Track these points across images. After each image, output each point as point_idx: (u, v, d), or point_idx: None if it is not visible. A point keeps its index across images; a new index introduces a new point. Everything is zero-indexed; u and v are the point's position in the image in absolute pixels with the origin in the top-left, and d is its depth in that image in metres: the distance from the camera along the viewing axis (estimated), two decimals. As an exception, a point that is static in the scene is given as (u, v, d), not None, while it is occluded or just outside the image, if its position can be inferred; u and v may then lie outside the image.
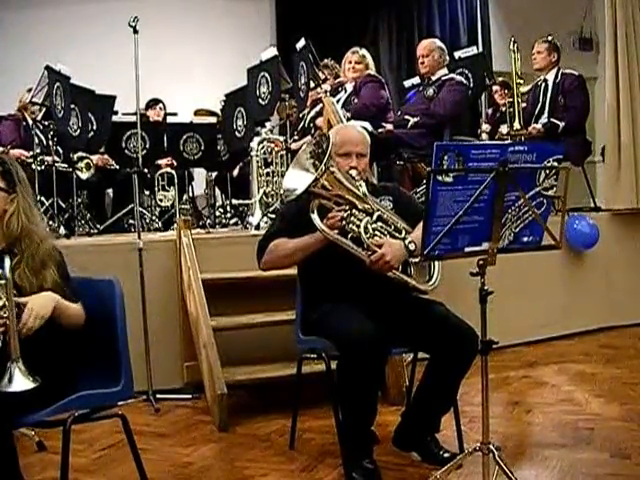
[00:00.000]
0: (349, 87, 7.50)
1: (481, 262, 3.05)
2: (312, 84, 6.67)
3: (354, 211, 3.64)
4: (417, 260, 3.65)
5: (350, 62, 7.44)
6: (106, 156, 7.89)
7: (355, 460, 3.65)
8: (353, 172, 3.78)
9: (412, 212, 3.91)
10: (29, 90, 6.88)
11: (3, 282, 2.87)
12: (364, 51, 7.57)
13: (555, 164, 3.03)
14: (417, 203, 4.20)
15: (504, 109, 7.83)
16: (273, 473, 3.87)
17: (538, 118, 7.44)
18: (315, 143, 3.66)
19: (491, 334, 3.16)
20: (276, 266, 3.96)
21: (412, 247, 3.64)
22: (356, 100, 7.27)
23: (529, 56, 7.58)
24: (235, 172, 8.53)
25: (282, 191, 3.65)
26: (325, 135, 3.66)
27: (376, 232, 3.67)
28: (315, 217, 3.61)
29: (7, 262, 2.92)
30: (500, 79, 8.73)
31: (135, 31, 5.47)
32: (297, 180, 3.61)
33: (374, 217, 3.68)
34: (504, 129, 7.30)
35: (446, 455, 3.78)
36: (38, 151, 6.82)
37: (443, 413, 3.87)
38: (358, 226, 3.62)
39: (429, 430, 3.89)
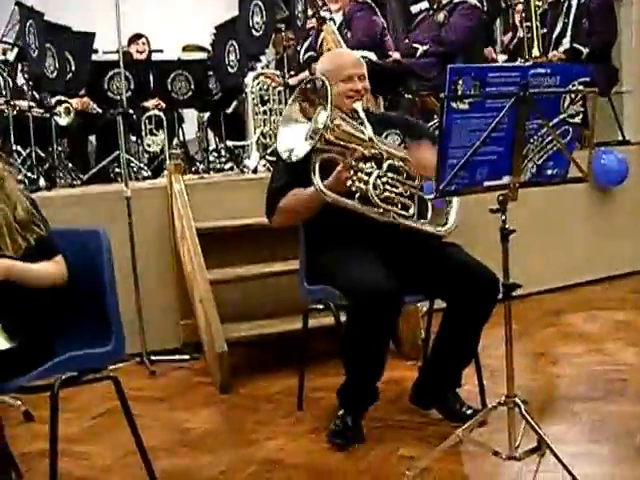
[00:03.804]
0: (337, 18, 7.30)
1: (502, 197, 3.01)
2: (310, 11, 6.59)
3: (360, 165, 3.57)
4: (432, 197, 3.60)
5: None
6: (87, 99, 7.82)
7: (348, 412, 3.72)
8: (357, 105, 3.73)
9: (425, 138, 3.85)
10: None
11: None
12: None
13: (581, 88, 2.97)
14: (428, 128, 4.14)
15: (522, 34, 7.72)
16: (281, 436, 3.88)
17: (558, 43, 7.35)
18: (306, 88, 3.57)
19: (513, 279, 3.13)
20: (288, 223, 3.92)
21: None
22: (349, 33, 7.14)
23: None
24: (229, 111, 8.44)
25: (280, 154, 3.53)
26: (319, 78, 3.56)
27: (386, 186, 3.61)
28: (317, 179, 3.51)
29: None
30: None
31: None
32: (294, 139, 3.52)
33: (384, 167, 3.62)
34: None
35: (469, 412, 3.77)
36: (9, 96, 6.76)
37: (464, 366, 3.86)
38: (366, 182, 3.55)
39: (449, 385, 3.88)
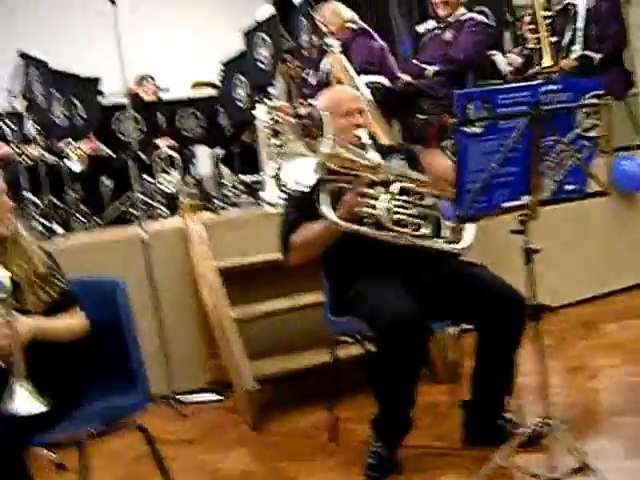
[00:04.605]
0: (336, 45, 7.00)
1: (522, 218, 3.01)
2: (315, 40, 6.62)
3: (369, 191, 3.59)
4: (452, 223, 3.61)
5: (324, 19, 7.18)
6: (97, 142, 7.87)
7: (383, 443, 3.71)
8: (361, 132, 3.76)
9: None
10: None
11: (3, 296, 2.88)
12: (332, 4, 7.35)
13: (594, 100, 2.98)
14: None
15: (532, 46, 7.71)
16: (317, 472, 3.88)
17: (568, 50, 7.35)
18: (305, 124, 3.61)
19: (540, 295, 3.13)
20: (304, 259, 3.91)
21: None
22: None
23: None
24: (237, 147, 8.47)
25: (288, 187, 3.54)
26: (314, 109, 3.60)
27: (398, 209, 3.62)
28: (325, 209, 3.53)
29: (3, 274, 2.92)
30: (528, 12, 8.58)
31: (113, 2, 5.42)
32: (300, 171, 3.54)
33: (394, 190, 3.63)
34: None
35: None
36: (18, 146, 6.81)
37: (507, 394, 3.81)
38: (376, 207, 3.57)
39: (497, 417, 3.83)
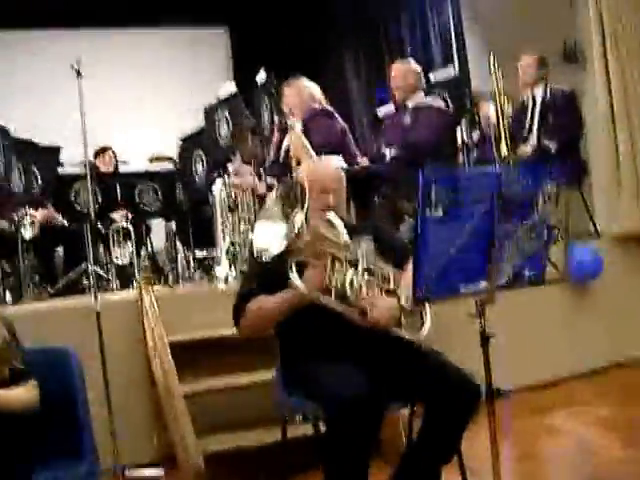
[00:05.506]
0: (297, 125, 7.09)
1: (480, 302, 3.03)
2: (277, 120, 6.67)
3: (336, 265, 3.62)
4: (408, 306, 3.62)
5: (288, 97, 7.17)
6: (51, 211, 7.84)
7: None
8: (330, 214, 3.78)
9: (395, 249, 3.96)
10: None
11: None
12: (301, 81, 7.34)
13: (553, 188, 3.02)
14: (399, 239, 4.19)
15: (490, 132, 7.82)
16: None
17: (525, 139, 7.47)
18: (284, 190, 3.64)
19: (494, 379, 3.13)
20: (257, 331, 3.92)
21: (407, 305, 3.63)
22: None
23: (509, 73, 7.61)
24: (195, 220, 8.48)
25: (254, 250, 3.57)
26: (296, 181, 3.64)
27: (362, 285, 3.65)
28: (294, 277, 3.56)
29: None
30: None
31: (78, 74, 5.44)
32: (270, 237, 3.57)
33: (359, 269, 3.66)
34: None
35: None
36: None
37: (443, 463, 3.76)
38: (342, 282, 3.60)
39: None
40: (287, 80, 7.25)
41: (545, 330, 6.74)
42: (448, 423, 3.61)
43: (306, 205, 3.47)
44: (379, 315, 3.62)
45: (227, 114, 6.69)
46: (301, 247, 3.52)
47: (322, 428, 3.74)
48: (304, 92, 7.23)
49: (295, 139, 6.56)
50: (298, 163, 6.11)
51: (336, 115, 7.30)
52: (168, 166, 8.89)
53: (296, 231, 3.46)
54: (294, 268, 3.57)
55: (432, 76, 8.06)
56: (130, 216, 7.91)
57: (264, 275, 3.74)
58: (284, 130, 7.03)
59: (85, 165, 5.87)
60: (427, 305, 3.78)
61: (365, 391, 3.43)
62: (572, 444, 5.03)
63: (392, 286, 3.72)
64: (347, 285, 3.58)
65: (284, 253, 3.53)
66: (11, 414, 3.03)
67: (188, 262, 8.11)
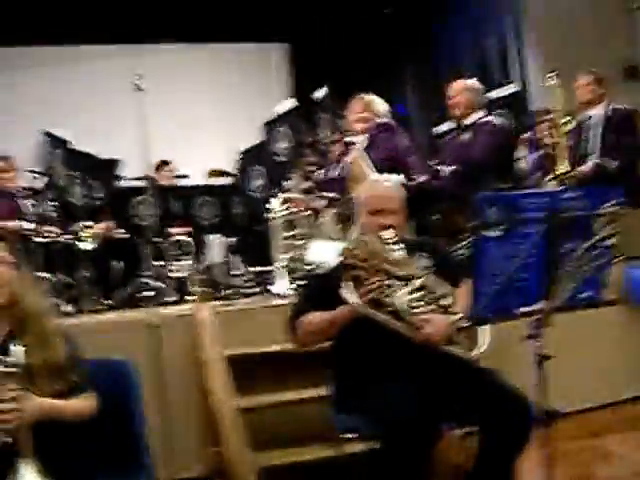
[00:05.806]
0: (361, 140, 7.09)
1: (536, 323, 3.01)
2: (335, 137, 6.67)
3: (391, 281, 3.62)
4: (465, 325, 3.61)
5: (355, 112, 7.17)
6: (111, 224, 7.91)
7: None
8: (387, 233, 3.77)
9: (451, 267, 3.96)
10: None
11: (15, 370, 2.87)
12: (370, 96, 7.32)
13: (612, 209, 3.00)
14: (455, 257, 4.17)
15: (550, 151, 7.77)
16: None
17: (586, 158, 7.41)
18: (341, 207, 3.67)
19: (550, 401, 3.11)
20: (310, 343, 3.96)
21: (462, 323, 3.62)
22: (372, 154, 7.11)
23: (570, 92, 7.56)
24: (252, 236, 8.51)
25: (308, 265, 3.61)
26: (351, 198, 3.65)
27: (416, 302, 3.65)
28: (348, 292, 3.58)
29: (19, 349, 2.92)
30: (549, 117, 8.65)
31: (139, 89, 5.51)
32: (325, 253, 3.61)
33: (416, 284, 3.65)
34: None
35: None
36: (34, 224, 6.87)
37: None
38: (396, 298, 3.60)
39: None
40: (352, 95, 7.26)
41: (603, 352, 6.65)
42: (503, 450, 3.60)
43: (362, 222, 3.48)
44: (432, 331, 3.61)
45: (286, 129, 6.71)
46: (355, 263, 3.53)
47: (375, 446, 3.73)
48: (370, 106, 7.20)
49: (356, 158, 6.55)
50: (357, 181, 6.10)
51: (401, 131, 7.29)
52: (226, 181, 8.96)
53: (351, 247, 3.47)
54: (348, 283, 3.58)
55: (493, 94, 8.04)
56: (188, 230, 7.97)
57: (319, 290, 3.76)
58: (345, 146, 7.04)
59: (145, 178, 5.93)
60: (484, 324, 3.76)
61: (416, 413, 3.43)
62: (627, 469, 4.95)
63: (447, 303, 3.72)
64: (401, 301, 3.58)
65: (339, 269, 3.55)
66: (72, 425, 3.07)
67: (244, 277, 8.14)
